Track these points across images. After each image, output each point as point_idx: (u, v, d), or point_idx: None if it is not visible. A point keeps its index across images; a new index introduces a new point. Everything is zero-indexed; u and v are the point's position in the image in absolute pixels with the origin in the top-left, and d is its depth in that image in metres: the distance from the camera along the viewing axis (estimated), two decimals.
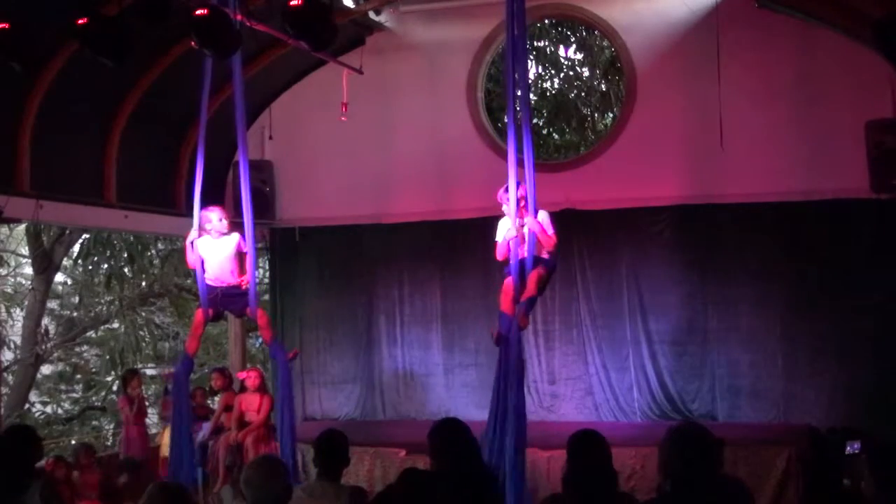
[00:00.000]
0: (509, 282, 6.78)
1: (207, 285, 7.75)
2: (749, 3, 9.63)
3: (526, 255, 6.75)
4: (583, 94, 16.15)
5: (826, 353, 9.70)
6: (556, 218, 6.82)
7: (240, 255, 7.81)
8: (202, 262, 7.72)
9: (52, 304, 17.39)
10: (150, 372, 16.81)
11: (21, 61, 6.71)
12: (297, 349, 9.51)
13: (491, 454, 6.25)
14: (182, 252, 15.45)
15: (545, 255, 6.87)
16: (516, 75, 6.76)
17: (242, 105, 7.58)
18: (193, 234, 7.72)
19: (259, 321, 7.98)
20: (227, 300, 7.80)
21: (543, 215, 6.83)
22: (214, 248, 7.76)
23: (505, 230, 6.81)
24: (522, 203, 6.75)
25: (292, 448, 7.81)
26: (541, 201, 6.89)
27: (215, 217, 7.73)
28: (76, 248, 15.86)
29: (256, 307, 7.81)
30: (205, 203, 7.78)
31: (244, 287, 7.75)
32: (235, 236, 7.79)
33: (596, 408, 10.41)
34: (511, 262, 6.76)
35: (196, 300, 16.37)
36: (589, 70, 16.02)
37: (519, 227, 6.72)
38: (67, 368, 17.99)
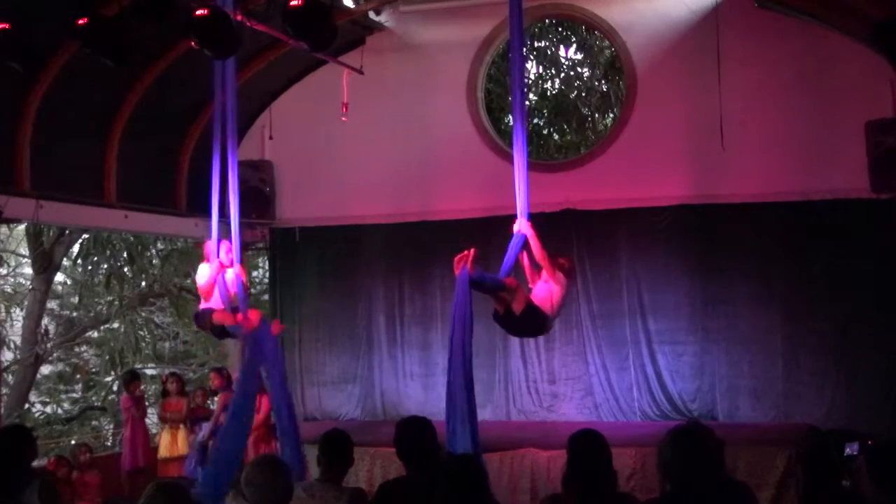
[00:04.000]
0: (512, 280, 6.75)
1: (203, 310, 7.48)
2: (749, 3, 9.64)
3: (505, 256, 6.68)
4: (583, 94, 16.13)
5: (826, 353, 9.70)
6: (556, 218, 6.84)
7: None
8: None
9: (52, 304, 17.40)
10: (150, 372, 16.82)
11: (21, 61, 6.71)
12: (281, 324, 8.89)
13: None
14: (182, 252, 15.65)
15: (547, 311, 6.70)
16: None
17: (234, 105, 7.37)
18: (212, 245, 7.45)
19: (253, 319, 7.51)
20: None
21: (562, 279, 6.75)
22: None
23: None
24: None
25: (297, 446, 7.60)
26: (541, 201, 6.87)
27: (223, 251, 7.46)
28: (76, 248, 15.87)
29: (247, 309, 7.48)
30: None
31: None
32: (236, 268, 7.45)
33: (596, 408, 10.41)
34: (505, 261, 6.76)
35: (196, 300, 16.54)
36: (589, 70, 16.01)
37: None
38: (67, 368, 18.00)
